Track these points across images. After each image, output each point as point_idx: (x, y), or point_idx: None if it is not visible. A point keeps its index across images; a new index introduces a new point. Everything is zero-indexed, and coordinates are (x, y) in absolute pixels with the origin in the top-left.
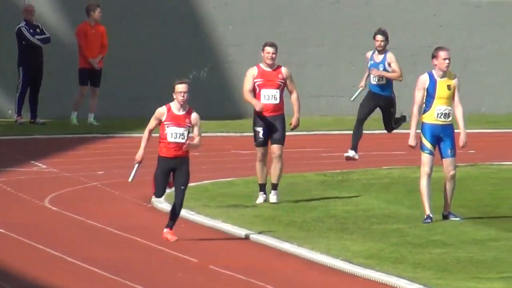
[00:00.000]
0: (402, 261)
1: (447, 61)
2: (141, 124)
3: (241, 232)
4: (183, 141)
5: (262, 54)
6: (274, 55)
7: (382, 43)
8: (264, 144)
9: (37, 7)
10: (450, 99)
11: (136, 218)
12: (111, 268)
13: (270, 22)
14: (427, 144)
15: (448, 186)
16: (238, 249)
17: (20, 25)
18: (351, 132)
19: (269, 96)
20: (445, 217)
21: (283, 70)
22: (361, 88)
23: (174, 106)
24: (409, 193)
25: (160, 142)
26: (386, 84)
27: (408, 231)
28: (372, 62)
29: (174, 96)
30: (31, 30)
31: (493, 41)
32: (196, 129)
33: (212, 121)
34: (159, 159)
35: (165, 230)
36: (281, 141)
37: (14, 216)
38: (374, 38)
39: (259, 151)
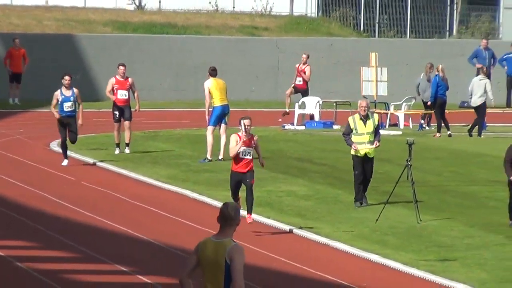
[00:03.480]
0: (187, 180)
1: None
2: (45, 103)
3: (93, 161)
4: (250, 157)
5: (118, 70)
6: (124, 71)
7: (69, 82)
8: (119, 121)
9: None
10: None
11: (40, 155)
12: (25, 182)
13: (116, 47)
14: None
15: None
16: (97, 173)
17: None
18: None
19: (122, 94)
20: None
21: (130, 79)
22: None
23: (242, 134)
24: (192, 143)
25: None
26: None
27: (191, 164)
28: (63, 96)
29: (241, 128)
30: None
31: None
32: (258, 149)
33: (85, 103)
34: (231, 173)
35: (248, 216)
36: (130, 118)
37: None
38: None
39: (116, 125)
